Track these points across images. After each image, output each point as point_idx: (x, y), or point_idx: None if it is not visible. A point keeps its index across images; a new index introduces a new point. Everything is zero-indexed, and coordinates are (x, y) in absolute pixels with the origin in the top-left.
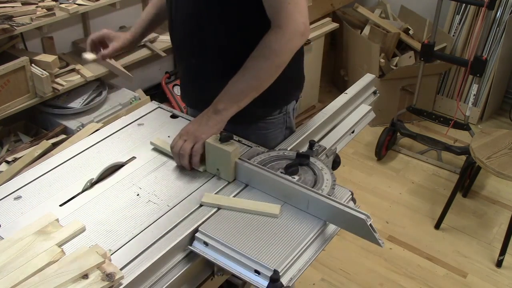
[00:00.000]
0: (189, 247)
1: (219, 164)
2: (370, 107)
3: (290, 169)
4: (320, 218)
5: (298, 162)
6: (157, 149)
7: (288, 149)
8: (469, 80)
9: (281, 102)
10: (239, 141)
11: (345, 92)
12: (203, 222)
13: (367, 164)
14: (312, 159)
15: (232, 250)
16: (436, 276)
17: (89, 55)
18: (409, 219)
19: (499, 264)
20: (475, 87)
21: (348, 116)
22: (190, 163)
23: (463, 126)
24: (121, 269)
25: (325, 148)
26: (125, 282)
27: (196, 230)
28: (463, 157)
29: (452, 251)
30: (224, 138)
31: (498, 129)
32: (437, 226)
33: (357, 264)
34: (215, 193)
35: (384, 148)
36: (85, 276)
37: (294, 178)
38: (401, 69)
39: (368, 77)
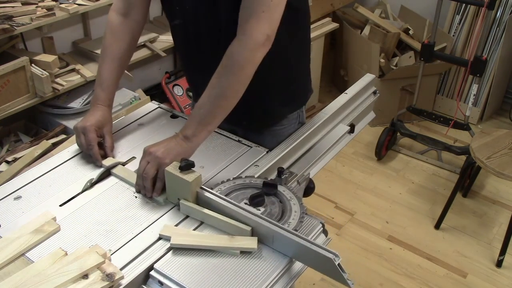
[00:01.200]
0: (143, 286)
1: (180, 194)
2: (348, 127)
3: (255, 200)
4: (285, 254)
5: (264, 192)
6: None
7: (256, 176)
8: (469, 80)
9: (304, 98)
10: (239, 141)
11: (345, 92)
12: (159, 258)
13: (367, 164)
14: (280, 188)
15: None
16: (436, 276)
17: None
18: (409, 219)
19: (499, 264)
20: (475, 87)
21: (321, 140)
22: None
23: (463, 126)
24: (121, 269)
25: (296, 175)
26: (125, 282)
27: (151, 268)
28: (463, 157)
29: (452, 251)
30: (185, 166)
31: (498, 129)
32: (437, 226)
33: (357, 264)
34: (175, 225)
35: (384, 148)
36: (85, 276)
37: (259, 210)
38: (401, 69)
39: (368, 77)
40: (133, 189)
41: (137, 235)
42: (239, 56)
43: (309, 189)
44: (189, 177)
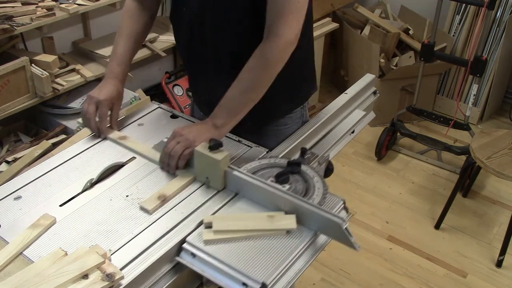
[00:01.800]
0: (176, 258)
1: (208, 173)
2: (365, 112)
3: (281, 178)
4: (310, 228)
5: (289, 171)
6: (156, 149)
7: (279, 156)
8: (469, 80)
9: (305, 96)
10: (238, 141)
11: (345, 92)
12: (190, 233)
13: (367, 164)
14: (303, 167)
15: (220, 262)
16: (436, 276)
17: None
18: (409, 219)
19: (499, 264)
20: (475, 87)
21: (341, 122)
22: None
23: (463, 126)
24: (121, 269)
25: (317, 156)
26: (125, 282)
27: (183, 241)
28: (463, 157)
29: (452, 251)
30: (214, 146)
31: (498, 129)
32: (437, 226)
33: (357, 264)
34: (205, 202)
35: (384, 148)
36: (85, 276)
37: (285, 187)
38: (401, 69)
39: (368, 77)
40: (133, 189)
41: (137, 235)
42: (271, 55)
43: (328, 170)
44: (218, 156)
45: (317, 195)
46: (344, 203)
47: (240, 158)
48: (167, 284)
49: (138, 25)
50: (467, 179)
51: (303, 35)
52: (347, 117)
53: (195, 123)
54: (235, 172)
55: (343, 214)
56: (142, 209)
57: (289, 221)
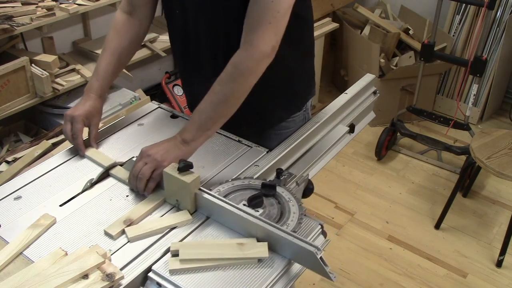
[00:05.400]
0: None
1: (178, 195)
2: (347, 128)
3: (253, 202)
4: (284, 256)
5: (263, 194)
6: (126, 169)
7: (254, 177)
8: (469, 80)
9: (303, 101)
10: (239, 141)
11: (345, 92)
12: (157, 260)
13: (367, 164)
14: (279, 189)
15: None
16: (436, 276)
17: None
18: (409, 219)
19: (499, 264)
20: (475, 87)
21: (320, 141)
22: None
23: (463, 126)
24: (121, 269)
25: (295, 176)
26: (125, 282)
27: (149, 269)
28: (463, 157)
29: (452, 251)
30: (183, 168)
31: (498, 129)
32: (437, 226)
33: (357, 264)
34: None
35: (384, 148)
36: (85, 276)
37: (258, 211)
38: (401, 69)
39: (368, 77)
40: (130, 190)
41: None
42: (244, 66)
43: (308, 190)
44: (187, 178)
45: (292, 220)
46: (321, 227)
47: (237, 161)
48: None
49: (125, 41)
50: (467, 179)
51: (300, 42)
52: (330, 132)
53: (163, 141)
54: (206, 195)
55: (319, 240)
56: (106, 234)
57: (261, 249)
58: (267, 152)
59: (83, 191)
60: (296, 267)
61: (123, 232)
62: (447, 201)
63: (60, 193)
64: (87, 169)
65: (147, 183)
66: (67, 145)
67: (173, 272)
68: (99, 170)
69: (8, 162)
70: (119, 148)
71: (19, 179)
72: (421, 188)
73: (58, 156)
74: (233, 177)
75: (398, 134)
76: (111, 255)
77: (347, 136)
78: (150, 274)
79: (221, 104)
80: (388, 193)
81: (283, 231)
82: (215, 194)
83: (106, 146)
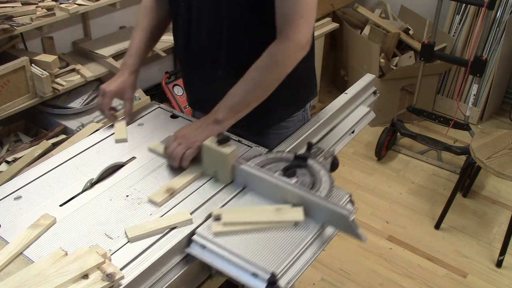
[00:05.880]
0: (186, 250)
1: (217, 167)
2: (369, 108)
3: (288, 171)
4: (317, 220)
5: (296, 164)
6: (164, 143)
7: (286, 151)
8: (469, 80)
9: (304, 101)
10: (239, 141)
11: (345, 92)
12: (200, 225)
13: (367, 164)
14: (310, 161)
15: (230, 253)
16: (436, 276)
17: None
18: (409, 219)
19: (499, 264)
20: (475, 87)
21: (347, 117)
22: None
23: (463, 126)
24: (121, 269)
25: (323, 150)
26: (125, 282)
27: (193, 233)
28: (463, 157)
29: (452, 251)
30: (222, 140)
31: (498, 129)
32: (437, 226)
33: (357, 264)
34: (215, 194)
35: (384, 148)
36: (85, 276)
37: (292, 180)
38: (401, 69)
39: (368, 77)
40: (131, 190)
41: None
42: (281, 56)
43: (334, 165)
44: (226, 150)
45: (324, 188)
46: (350, 196)
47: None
48: (177, 275)
49: (155, 20)
50: (467, 179)
51: None
52: (351, 114)
53: (196, 121)
54: (243, 166)
55: (349, 207)
56: (151, 201)
57: (297, 213)
58: (267, 152)
59: (83, 191)
60: (329, 231)
61: (168, 199)
62: (447, 201)
63: (60, 193)
64: (87, 169)
65: (181, 162)
66: (67, 145)
67: (216, 234)
68: (99, 170)
69: (8, 162)
70: (119, 148)
71: (19, 179)
72: (421, 188)
73: (58, 156)
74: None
75: (398, 134)
76: (111, 255)
77: (367, 117)
78: (195, 237)
79: (253, 89)
80: (388, 193)
81: (317, 197)
82: (252, 165)
83: (106, 146)
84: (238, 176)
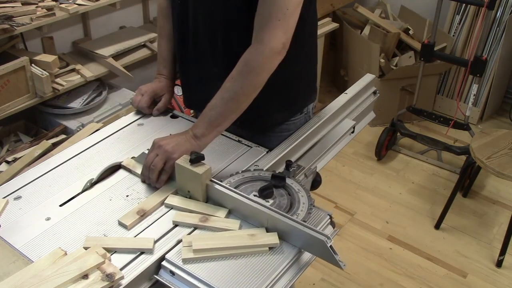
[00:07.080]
0: (155, 276)
1: (190, 186)
2: (354, 122)
3: (264, 192)
4: (294, 245)
5: (273, 184)
6: (138, 161)
7: (264, 169)
8: (469, 80)
9: (302, 104)
10: (239, 141)
11: (345, 92)
12: (170, 249)
13: (367, 164)
14: (288, 181)
15: (200, 282)
16: (436, 276)
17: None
18: (409, 219)
19: (499, 264)
20: (475, 87)
21: (328, 133)
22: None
23: (463, 126)
24: (121, 269)
25: (303, 168)
26: (125, 282)
27: (162, 258)
28: (463, 157)
29: (452, 251)
30: (195, 159)
31: (498, 129)
32: (437, 226)
33: (357, 264)
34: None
35: (384, 148)
36: (85, 276)
37: (268, 202)
38: (401, 69)
39: (368, 77)
40: (131, 190)
41: (137, 235)
42: (255, 63)
43: (316, 182)
44: (199, 169)
45: (302, 210)
46: (330, 217)
47: (237, 161)
48: None
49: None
50: (467, 179)
51: (302, 45)
52: (336, 127)
53: (175, 134)
54: (217, 186)
55: (328, 230)
56: (120, 224)
57: (271, 237)
58: (267, 152)
59: (83, 191)
60: (306, 255)
61: (136, 222)
62: (447, 201)
63: (60, 193)
64: (87, 169)
65: (159, 175)
66: (67, 145)
67: (186, 261)
68: (99, 170)
69: (8, 162)
70: (119, 148)
71: (19, 179)
72: (421, 188)
73: (58, 156)
74: (243, 170)
75: (398, 134)
76: (111, 255)
77: (347, 136)
78: (164, 263)
79: (231, 100)
80: (388, 193)
81: (294, 220)
82: (226, 185)
83: (106, 146)
84: (212, 196)
